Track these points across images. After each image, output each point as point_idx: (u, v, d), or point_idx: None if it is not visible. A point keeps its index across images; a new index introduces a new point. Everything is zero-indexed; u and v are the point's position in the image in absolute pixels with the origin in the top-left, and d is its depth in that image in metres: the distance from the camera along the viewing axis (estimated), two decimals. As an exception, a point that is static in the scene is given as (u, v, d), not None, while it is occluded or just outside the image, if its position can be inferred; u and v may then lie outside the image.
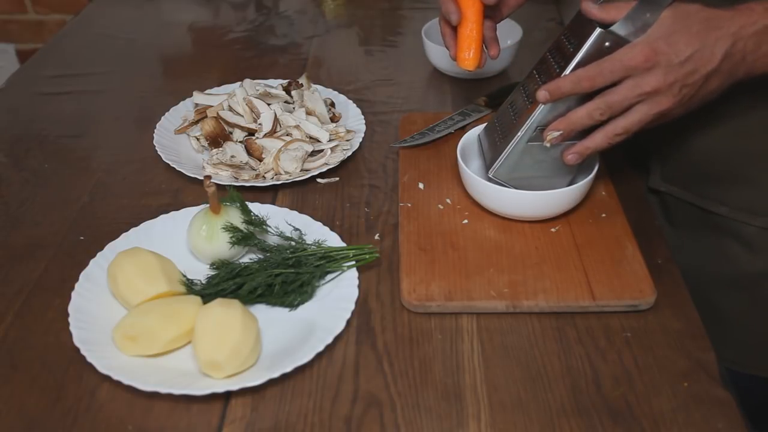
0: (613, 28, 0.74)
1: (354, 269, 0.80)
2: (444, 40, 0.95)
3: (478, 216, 0.88)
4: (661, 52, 0.70)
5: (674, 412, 0.67)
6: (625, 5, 0.74)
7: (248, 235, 0.81)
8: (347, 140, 1.02)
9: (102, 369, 0.69)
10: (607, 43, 0.74)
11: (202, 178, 0.85)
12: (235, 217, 0.82)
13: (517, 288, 0.78)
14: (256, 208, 0.87)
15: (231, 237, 0.80)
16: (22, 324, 0.77)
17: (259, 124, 1.00)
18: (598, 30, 0.74)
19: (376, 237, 0.88)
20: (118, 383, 0.69)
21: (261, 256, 0.82)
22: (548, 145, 0.79)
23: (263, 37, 1.37)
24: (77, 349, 0.71)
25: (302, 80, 1.11)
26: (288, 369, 0.69)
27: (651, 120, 0.73)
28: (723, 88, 0.74)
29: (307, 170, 0.97)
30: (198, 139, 1.03)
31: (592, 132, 0.77)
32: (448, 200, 0.90)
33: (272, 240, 0.83)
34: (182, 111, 1.10)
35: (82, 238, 0.88)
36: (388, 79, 1.22)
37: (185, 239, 0.84)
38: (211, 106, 1.04)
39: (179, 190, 0.96)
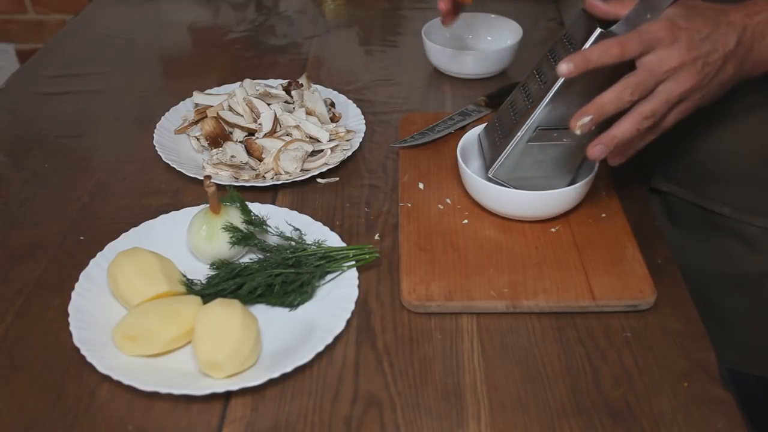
0: (614, 28, 0.74)
1: (354, 269, 0.80)
2: None
3: (478, 216, 0.88)
4: (683, 28, 0.70)
5: (674, 412, 0.67)
6: (629, 2, 0.74)
7: (248, 235, 0.81)
8: (347, 140, 1.02)
9: (102, 369, 0.69)
10: None
11: (202, 178, 0.85)
12: (235, 217, 0.82)
13: (517, 288, 0.78)
14: (256, 208, 0.87)
15: (231, 237, 0.80)
16: (22, 324, 0.77)
17: (259, 124, 1.00)
18: (598, 30, 0.74)
19: (376, 237, 0.88)
20: (118, 383, 0.69)
21: (261, 256, 0.82)
22: (578, 132, 0.72)
23: (263, 37, 1.37)
24: (77, 349, 0.71)
25: (302, 80, 1.11)
26: (288, 369, 0.69)
27: (675, 100, 0.72)
28: (736, 78, 0.74)
29: (307, 170, 0.97)
30: (198, 139, 1.03)
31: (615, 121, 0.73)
32: (448, 200, 0.90)
33: (272, 240, 0.83)
34: (182, 111, 1.10)
35: (82, 238, 0.88)
36: (388, 79, 1.22)
37: (185, 239, 0.84)
38: (211, 106, 1.04)
39: (179, 190, 0.96)
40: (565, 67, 0.70)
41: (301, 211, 0.89)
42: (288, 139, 0.98)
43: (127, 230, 0.86)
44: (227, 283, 0.77)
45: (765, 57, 0.73)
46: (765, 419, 0.92)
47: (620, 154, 0.77)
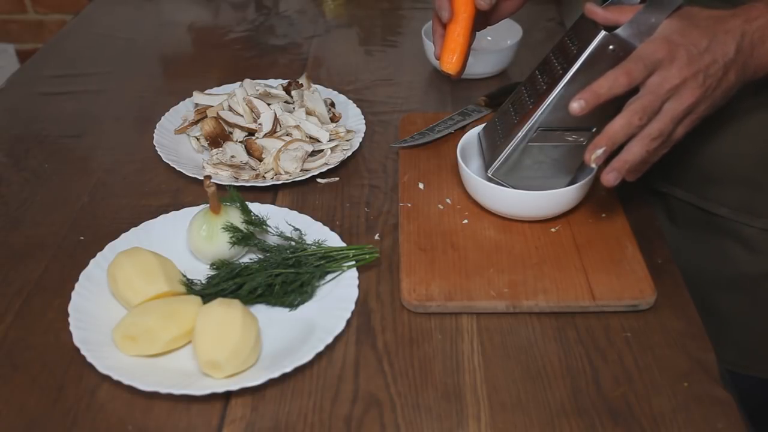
0: (618, 31, 0.74)
1: (354, 269, 0.80)
2: (433, 37, 0.93)
3: (478, 216, 0.88)
4: (680, 44, 0.70)
5: (674, 412, 0.67)
6: (628, 9, 0.74)
7: (248, 235, 0.81)
8: (347, 140, 1.02)
9: (102, 369, 0.69)
10: (611, 46, 0.74)
11: (202, 178, 0.85)
12: (235, 217, 0.82)
13: (517, 288, 0.78)
14: (256, 208, 0.87)
15: (231, 237, 0.80)
16: (22, 324, 0.77)
17: (259, 124, 1.00)
18: (602, 32, 0.74)
19: (376, 237, 0.88)
20: (118, 383, 0.69)
21: (261, 256, 0.82)
22: (594, 165, 0.74)
23: (263, 37, 1.37)
24: (77, 349, 0.71)
25: (302, 80, 1.11)
26: (288, 369, 0.69)
27: (680, 116, 0.72)
28: (739, 84, 0.74)
29: (307, 170, 0.97)
30: (198, 139, 1.03)
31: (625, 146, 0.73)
32: (448, 200, 0.90)
33: (272, 240, 0.83)
34: (182, 111, 1.10)
35: (82, 238, 0.88)
36: (388, 79, 1.22)
37: (185, 239, 0.84)
38: (211, 106, 1.04)
39: (179, 190, 0.96)
40: (576, 105, 0.71)
41: (301, 211, 0.89)
42: (288, 139, 0.98)
43: (127, 230, 0.86)
44: (227, 283, 0.77)
45: (766, 61, 0.73)
46: (765, 419, 0.92)
47: (635, 172, 0.76)
